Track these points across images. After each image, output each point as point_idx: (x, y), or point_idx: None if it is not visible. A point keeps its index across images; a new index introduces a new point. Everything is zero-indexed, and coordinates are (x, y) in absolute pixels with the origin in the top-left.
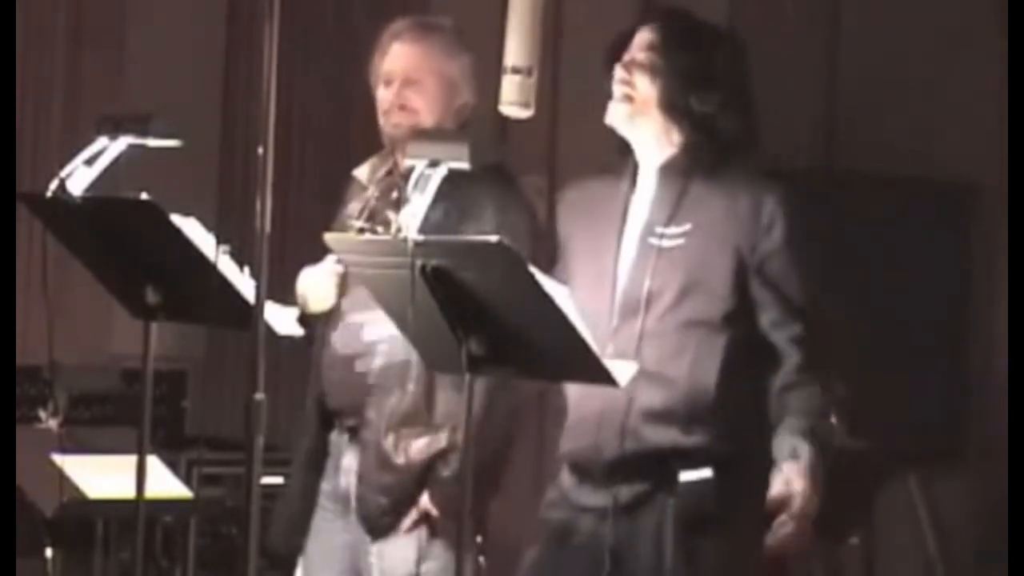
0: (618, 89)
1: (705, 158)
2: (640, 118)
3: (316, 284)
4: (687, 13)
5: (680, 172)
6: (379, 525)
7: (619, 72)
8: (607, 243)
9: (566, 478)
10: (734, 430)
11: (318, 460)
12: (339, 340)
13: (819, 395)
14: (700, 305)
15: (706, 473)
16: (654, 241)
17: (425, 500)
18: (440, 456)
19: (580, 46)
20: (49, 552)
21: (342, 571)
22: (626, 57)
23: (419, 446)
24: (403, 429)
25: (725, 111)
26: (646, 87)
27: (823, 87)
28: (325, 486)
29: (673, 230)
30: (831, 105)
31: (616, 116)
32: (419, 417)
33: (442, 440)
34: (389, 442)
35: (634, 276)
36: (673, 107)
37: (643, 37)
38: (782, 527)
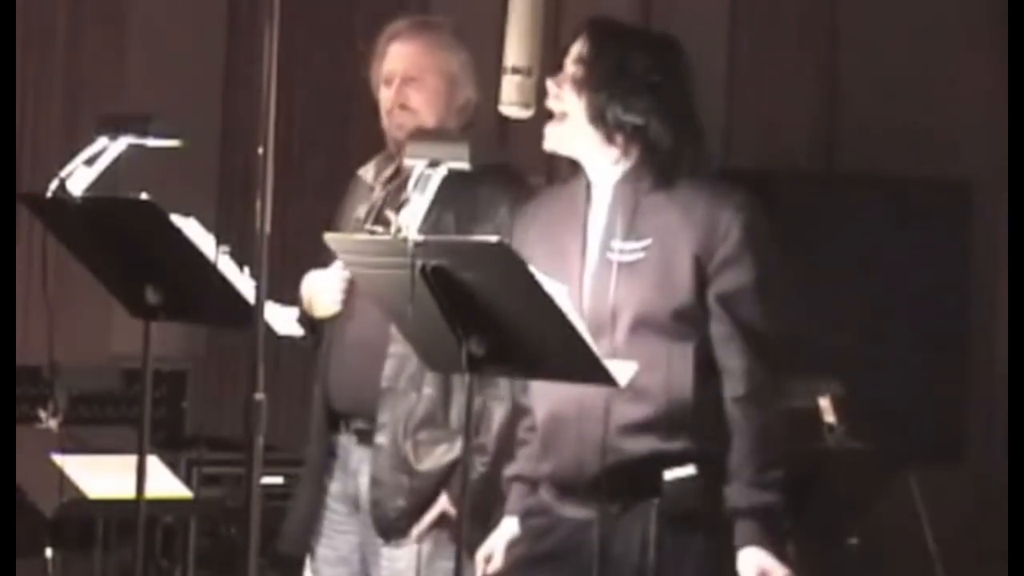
0: (550, 104)
1: (653, 169)
2: (575, 136)
3: (323, 289)
4: (612, 21)
5: (632, 186)
6: (395, 528)
7: (549, 86)
8: (570, 261)
9: (546, 492)
10: (714, 430)
11: (328, 462)
12: (347, 342)
13: (757, 425)
14: (666, 315)
15: (690, 470)
16: (613, 256)
17: (444, 501)
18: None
19: None
20: (49, 552)
21: (351, 573)
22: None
23: (440, 450)
24: (421, 433)
25: (657, 119)
26: (573, 101)
27: (823, 89)
28: (333, 488)
29: (632, 244)
30: (831, 107)
31: (552, 140)
32: (436, 421)
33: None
34: (408, 447)
35: (597, 293)
36: (601, 119)
37: (573, 50)
38: None
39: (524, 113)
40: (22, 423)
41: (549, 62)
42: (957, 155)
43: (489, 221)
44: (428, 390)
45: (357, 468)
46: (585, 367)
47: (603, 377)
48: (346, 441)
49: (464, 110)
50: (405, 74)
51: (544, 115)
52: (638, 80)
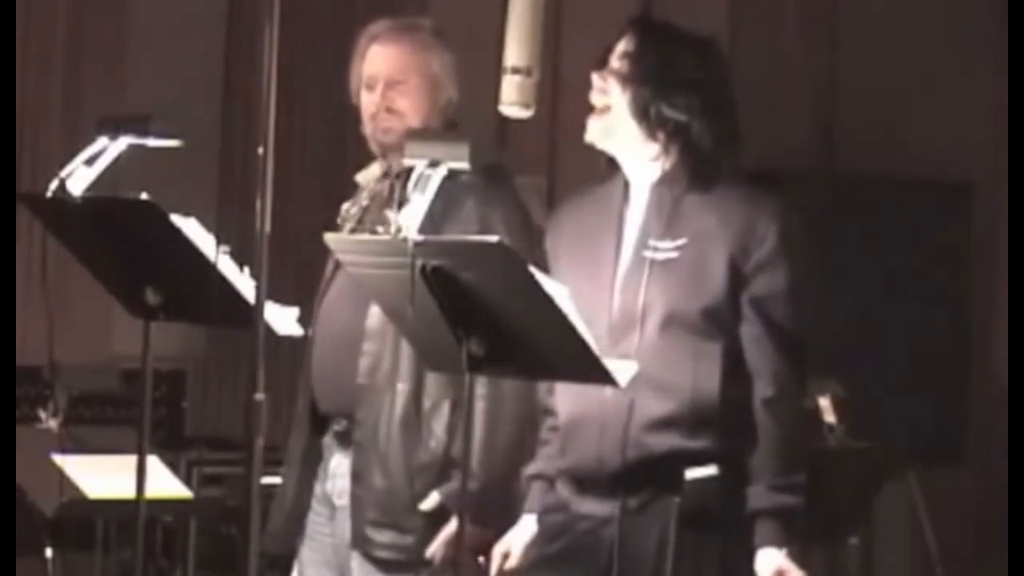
0: (594, 98)
1: (692, 170)
2: (617, 130)
3: None
4: (664, 22)
5: (669, 187)
6: (366, 537)
7: (595, 80)
8: (604, 260)
9: (564, 488)
10: (738, 430)
11: (313, 462)
12: (324, 341)
13: (784, 427)
14: (696, 314)
15: (711, 470)
16: (648, 254)
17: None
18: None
19: (580, 46)
20: (49, 552)
21: (331, 575)
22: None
23: (420, 452)
24: (401, 434)
25: (699, 118)
26: (618, 94)
27: (823, 89)
28: (316, 489)
29: (667, 244)
30: (831, 107)
31: (594, 133)
32: (410, 418)
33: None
34: (387, 446)
35: (629, 289)
36: (645, 114)
37: (620, 46)
38: None
39: (524, 113)
40: (22, 423)
41: (549, 62)
42: (957, 156)
43: (455, 215)
44: (402, 385)
45: (335, 471)
46: (585, 367)
47: (603, 377)
48: (329, 442)
49: (445, 110)
50: (389, 77)
51: (543, 115)
52: (682, 77)
